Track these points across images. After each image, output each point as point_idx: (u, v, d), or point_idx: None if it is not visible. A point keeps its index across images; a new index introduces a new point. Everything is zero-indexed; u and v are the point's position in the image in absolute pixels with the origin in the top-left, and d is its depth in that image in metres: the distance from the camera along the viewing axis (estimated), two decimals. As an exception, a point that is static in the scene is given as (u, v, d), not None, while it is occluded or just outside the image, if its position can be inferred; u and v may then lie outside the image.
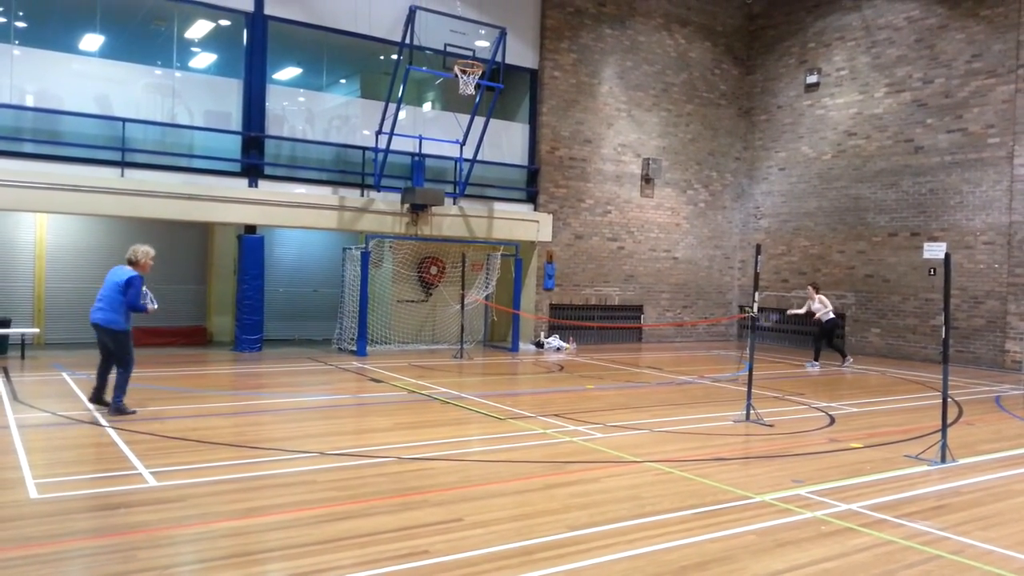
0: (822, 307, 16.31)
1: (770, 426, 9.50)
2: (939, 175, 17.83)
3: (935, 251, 17.65)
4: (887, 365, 16.78)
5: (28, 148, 13.77)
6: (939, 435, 8.10)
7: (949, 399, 8.63)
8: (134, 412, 9.08)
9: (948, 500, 6.62)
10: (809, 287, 16.93)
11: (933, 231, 17.87)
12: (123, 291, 9.00)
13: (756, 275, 10.19)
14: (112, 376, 9.29)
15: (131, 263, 9.21)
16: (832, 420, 10.14)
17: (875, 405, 11.58)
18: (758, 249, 10.25)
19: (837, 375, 15.16)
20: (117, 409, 9.02)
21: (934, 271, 17.69)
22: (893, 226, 18.71)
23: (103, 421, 8.67)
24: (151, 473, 6.63)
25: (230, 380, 12.57)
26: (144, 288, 9.22)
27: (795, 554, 5.20)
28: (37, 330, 15.11)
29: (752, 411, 9.83)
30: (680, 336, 21.74)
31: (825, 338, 16.51)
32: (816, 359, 16.34)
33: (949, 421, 8.63)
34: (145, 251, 9.28)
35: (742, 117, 22.38)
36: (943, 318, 8.13)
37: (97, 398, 9.38)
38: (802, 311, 16.90)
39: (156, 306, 9.42)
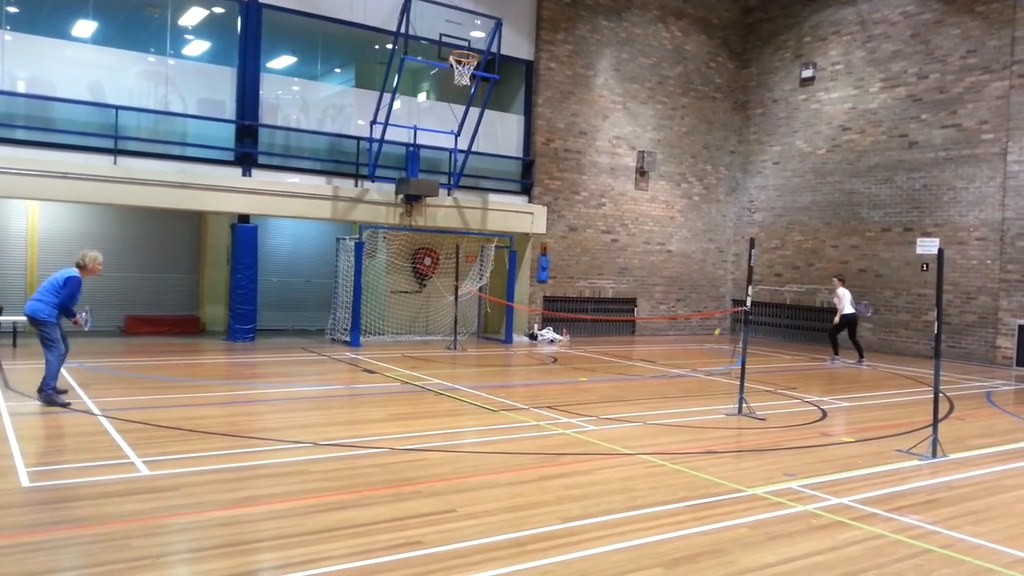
0: (839, 301, 16.10)
1: (762, 420, 9.54)
2: (933, 171, 17.86)
3: (928, 247, 17.71)
4: (879, 360, 16.84)
5: (20, 135, 13.67)
6: (930, 430, 8.14)
7: (940, 394, 8.67)
8: (67, 404, 8.89)
9: (939, 494, 6.66)
10: (835, 279, 16.68)
11: (926, 227, 17.93)
12: (62, 288, 8.95)
13: (750, 269, 10.20)
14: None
15: (79, 267, 9.15)
16: (824, 414, 10.18)
17: (867, 400, 11.63)
18: (752, 243, 10.26)
19: (829, 370, 15.21)
20: (48, 395, 8.89)
21: (927, 266, 17.76)
22: (886, 221, 18.76)
23: (96, 410, 8.65)
24: (144, 462, 6.62)
25: (223, 370, 12.54)
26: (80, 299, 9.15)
27: (786, 547, 5.22)
28: (29, 318, 15.02)
29: (745, 405, 9.87)
30: (673, 329, 21.78)
31: (845, 332, 16.26)
32: (836, 353, 16.39)
33: (940, 416, 8.67)
34: (92, 256, 9.22)
35: (737, 111, 22.37)
36: (935, 313, 8.16)
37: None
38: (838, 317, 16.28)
39: (86, 325, 9.25)
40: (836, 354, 16.43)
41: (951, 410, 10.83)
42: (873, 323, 18.80)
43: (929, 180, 17.93)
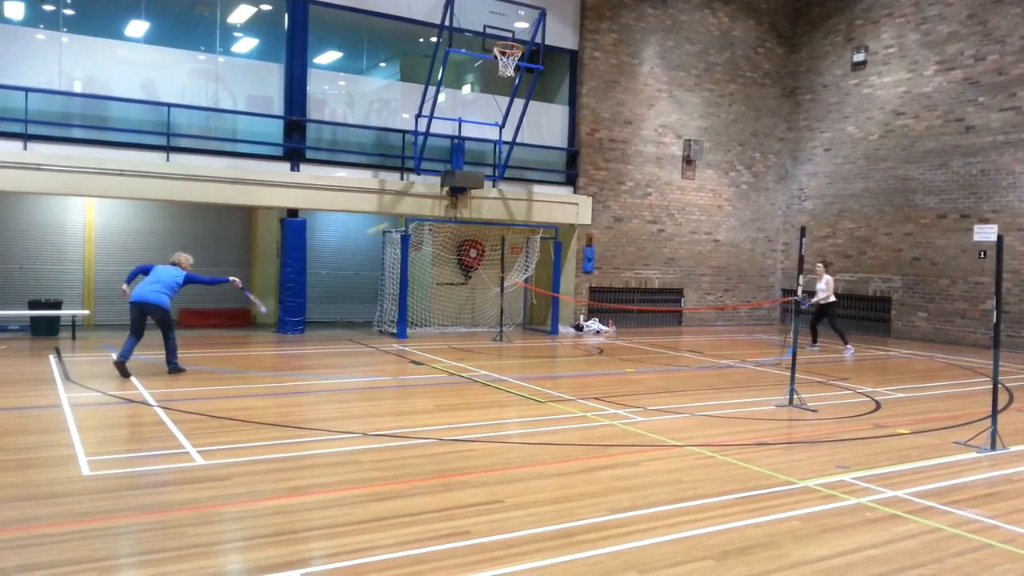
0: (826, 289, 15.69)
1: (814, 411, 9.38)
2: (991, 155, 17.33)
3: (986, 233, 17.20)
4: (934, 350, 16.45)
5: (77, 133, 14.06)
6: (989, 421, 7.93)
7: (999, 385, 8.43)
8: (185, 369, 10.88)
9: (998, 488, 6.48)
10: (819, 265, 16.14)
11: (984, 213, 17.41)
12: (181, 284, 10.81)
13: (800, 258, 10.02)
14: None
15: (177, 264, 11.06)
16: (878, 405, 9.97)
17: (922, 391, 11.36)
18: (803, 231, 10.08)
19: (882, 360, 14.90)
20: (176, 368, 10.73)
21: (984, 254, 17.25)
22: (942, 208, 18.27)
23: (152, 400, 8.87)
24: (198, 452, 6.77)
25: (274, 361, 12.75)
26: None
27: (840, 540, 5.13)
28: (87, 312, 15.47)
29: (795, 396, 9.71)
30: (721, 320, 21.53)
31: (828, 320, 15.99)
32: (815, 341, 16.42)
33: (1000, 407, 8.44)
34: (186, 257, 11.23)
35: (786, 97, 21.97)
36: (994, 302, 7.93)
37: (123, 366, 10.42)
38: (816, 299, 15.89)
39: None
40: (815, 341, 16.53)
41: (1011, 401, 10.53)
42: (928, 312, 18.35)
43: (987, 165, 17.40)
